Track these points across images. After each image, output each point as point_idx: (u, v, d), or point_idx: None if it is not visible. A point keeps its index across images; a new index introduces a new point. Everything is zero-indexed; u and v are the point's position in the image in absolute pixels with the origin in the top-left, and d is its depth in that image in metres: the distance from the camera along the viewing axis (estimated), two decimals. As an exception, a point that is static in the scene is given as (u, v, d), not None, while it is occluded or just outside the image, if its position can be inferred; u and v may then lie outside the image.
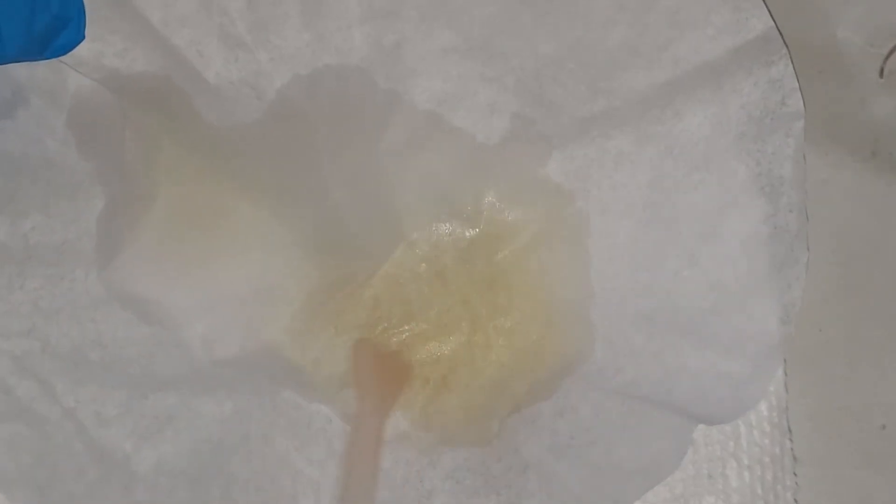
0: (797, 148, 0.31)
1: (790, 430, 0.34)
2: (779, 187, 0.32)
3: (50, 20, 0.25)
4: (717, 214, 0.32)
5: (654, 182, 0.33)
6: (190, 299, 0.34)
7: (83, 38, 0.26)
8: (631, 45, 0.32)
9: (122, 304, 0.33)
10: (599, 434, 0.33)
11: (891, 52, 0.36)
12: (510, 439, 0.34)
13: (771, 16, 0.31)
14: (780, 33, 0.31)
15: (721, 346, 0.32)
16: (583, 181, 0.35)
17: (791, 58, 0.31)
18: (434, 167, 0.36)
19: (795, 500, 0.34)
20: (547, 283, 0.36)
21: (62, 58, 0.31)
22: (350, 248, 0.37)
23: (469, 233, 0.37)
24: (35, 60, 0.26)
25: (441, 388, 0.36)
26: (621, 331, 0.34)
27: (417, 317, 0.37)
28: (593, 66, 0.33)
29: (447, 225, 0.37)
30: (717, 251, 0.32)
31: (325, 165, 0.35)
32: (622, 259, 0.34)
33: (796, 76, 0.31)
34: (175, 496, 0.32)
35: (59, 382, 0.31)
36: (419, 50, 0.33)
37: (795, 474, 0.34)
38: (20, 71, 0.31)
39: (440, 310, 0.37)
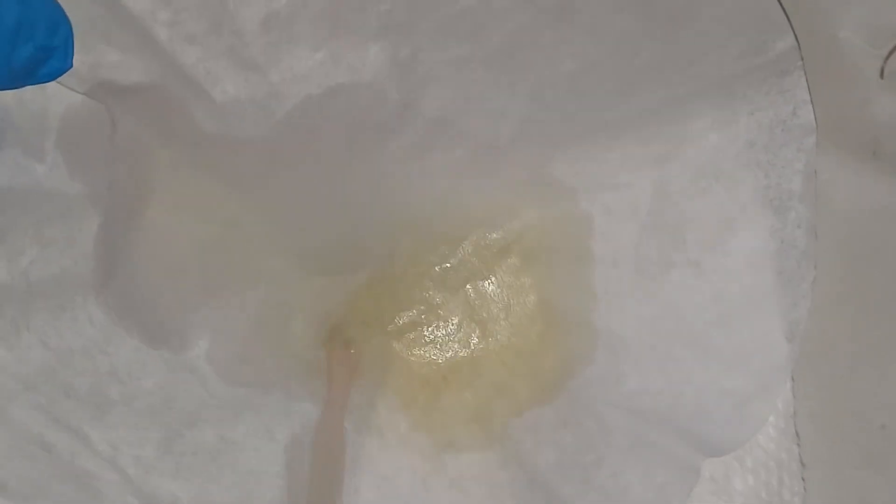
0: (808, 163, 0.31)
1: (798, 436, 0.34)
2: (787, 201, 0.31)
3: (35, 50, 0.24)
4: (724, 224, 0.32)
5: (660, 184, 0.33)
6: (192, 317, 0.34)
7: (70, 66, 0.25)
8: (655, 65, 0.32)
9: (126, 330, 0.32)
10: (605, 453, 0.32)
11: (891, 53, 0.36)
12: (514, 447, 0.33)
13: (795, 36, 0.31)
14: (799, 47, 0.31)
15: (725, 361, 0.32)
16: (587, 180, 0.35)
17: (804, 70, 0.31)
18: (439, 169, 0.36)
19: (803, 506, 0.34)
20: (549, 284, 0.36)
21: None
22: (354, 251, 0.36)
23: (472, 233, 0.37)
24: (18, 88, 0.25)
25: (442, 388, 0.36)
26: (623, 336, 0.34)
27: (421, 317, 0.36)
28: (612, 82, 0.33)
29: (451, 226, 0.37)
30: (723, 262, 0.32)
31: (330, 175, 0.35)
32: (626, 263, 0.34)
33: (808, 88, 0.31)
34: None
35: (92, 430, 0.31)
36: (433, 59, 0.33)
37: (803, 479, 0.34)
38: (6, 96, 0.30)
39: (442, 310, 0.36)
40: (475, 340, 0.36)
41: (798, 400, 0.34)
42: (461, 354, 0.36)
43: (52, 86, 0.30)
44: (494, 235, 0.37)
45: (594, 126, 0.34)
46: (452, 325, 0.37)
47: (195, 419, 0.32)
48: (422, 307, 0.37)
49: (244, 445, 0.32)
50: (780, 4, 0.31)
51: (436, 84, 0.33)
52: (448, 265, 0.37)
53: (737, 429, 0.32)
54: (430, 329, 0.37)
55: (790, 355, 0.32)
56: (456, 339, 0.36)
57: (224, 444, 0.32)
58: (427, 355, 0.37)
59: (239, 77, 0.32)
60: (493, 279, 0.37)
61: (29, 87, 0.26)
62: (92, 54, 0.31)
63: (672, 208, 0.33)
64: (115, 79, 0.31)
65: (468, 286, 0.37)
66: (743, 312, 0.32)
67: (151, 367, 0.33)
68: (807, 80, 0.31)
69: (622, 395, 0.33)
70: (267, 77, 0.32)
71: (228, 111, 0.33)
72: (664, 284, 0.33)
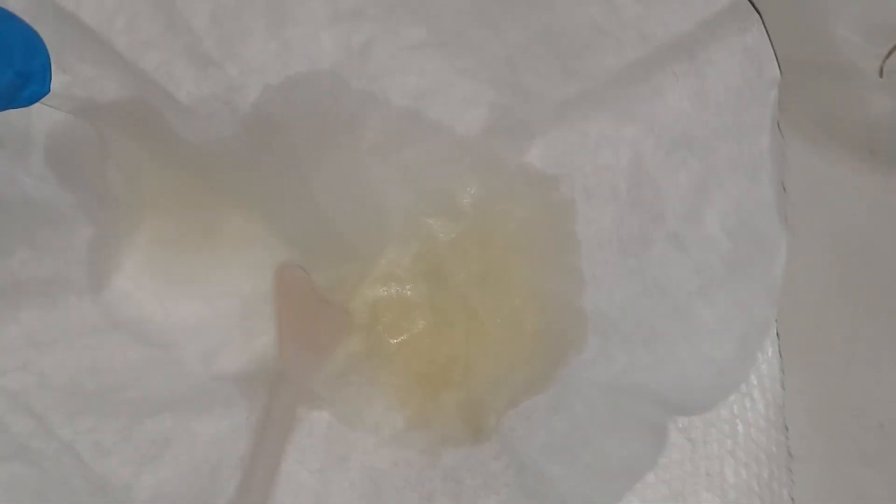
0: (773, 118, 0.31)
1: (786, 428, 0.34)
2: (758, 160, 0.31)
3: (13, 76, 0.24)
4: (699, 193, 0.32)
5: (636, 162, 0.33)
6: (185, 317, 0.34)
7: (48, 91, 0.25)
8: (598, 25, 0.32)
9: (117, 329, 0.33)
10: (590, 432, 0.33)
11: (890, 52, 0.36)
12: (507, 437, 0.34)
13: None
14: (758, 11, 0.31)
15: (708, 330, 0.32)
16: (565, 166, 0.35)
17: (765, 24, 0.31)
18: (416, 163, 0.36)
19: (792, 498, 0.34)
20: (538, 273, 0.36)
21: None
22: (341, 249, 0.37)
23: (458, 227, 0.37)
24: None
25: (439, 385, 0.36)
26: (612, 318, 0.34)
27: (413, 314, 0.36)
28: (563, 49, 0.33)
29: (436, 220, 0.37)
30: (701, 232, 0.32)
31: (308, 171, 0.35)
32: (610, 244, 0.34)
33: (771, 42, 0.31)
34: None
35: (57, 416, 0.31)
36: (389, 48, 0.33)
37: (791, 471, 0.34)
38: None
39: (435, 306, 0.37)
40: (470, 335, 0.37)
41: (791, 394, 0.35)
42: (456, 351, 0.36)
43: (35, 106, 0.31)
44: (481, 228, 0.37)
45: (565, 109, 0.34)
46: (447, 320, 0.37)
47: (162, 407, 0.32)
48: (416, 304, 0.37)
49: (204, 437, 0.32)
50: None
51: (397, 73, 0.33)
52: (438, 261, 0.37)
53: (714, 393, 0.32)
54: (423, 326, 0.37)
55: (770, 315, 0.32)
56: (451, 335, 0.37)
57: (185, 433, 0.32)
58: (422, 353, 0.37)
59: (199, 75, 0.32)
60: (483, 272, 0.37)
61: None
62: (67, 73, 0.31)
63: (649, 184, 0.33)
64: (92, 95, 0.31)
65: (459, 281, 0.37)
66: (722, 279, 0.32)
67: (135, 363, 0.33)
68: (768, 34, 0.31)
69: (610, 375, 0.33)
70: (225, 71, 0.32)
71: (196, 112, 0.33)
72: (647, 261, 0.33)
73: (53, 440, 0.31)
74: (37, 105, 0.29)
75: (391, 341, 0.36)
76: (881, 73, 0.36)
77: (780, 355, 0.34)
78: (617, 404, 0.32)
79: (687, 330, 0.32)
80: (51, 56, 0.26)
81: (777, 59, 0.31)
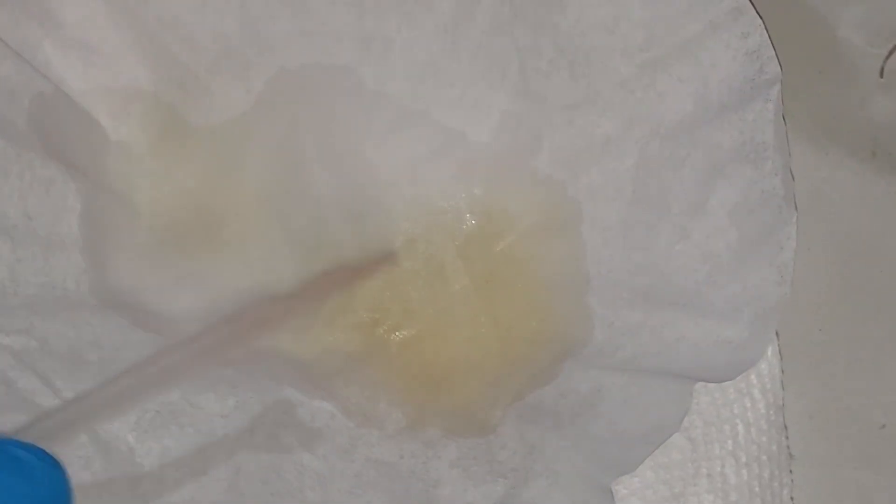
0: (776, 111, 0.31)
1: (786, 428, 0.34)
2: (763, 153, 0.32)
3: None
4: (705, 186, 0.32)
5: (642, 163, 0.33)
6: (183, 306, 0.35)
7: None
8: (606, 26, 0.32)
9: (116, 312, 0.33)
10: (601, 410, 0.33)
11: (891, 53, 0.36)
12: (514, 426, 0.34)
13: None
14: (754, 5, 0.31)
15: (717, 315, 0.32)
16: (572, 170, 0.35)
17: (768, 30, 0.31)
18: (425, 165, 0.36)
19: (792, 499, 0.34)
20: (544, 274, 0.36)
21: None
22: (343, 248, 0.37)
23: (464, 229, 0.37)
24: None
25: (441, 386, 0.36)
26: (619, 311, 0.34)
27: (417, 314, 0.37)
28: (571, 52, 0.33)
29: (442, 222, 0.37)
30: (707, 223, 0.32)
31: (314, 164, 0.36)
32: (616, 242, 0.34)
33: (772, 44, 0.31)
34: (182, 488, 0.32)
35: (60, 380, 0.31)
36: (407, 50, 0.34)
37: (791, 472, 0.34)
38: None
39: (440, 306, 0.37)
40: (474, 335, 0.37)
41: (793, 396, 0.35)
42: (459, 352, 0.37)
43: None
44: (487, 230, 0.37)
45: (572, 112, 0.34)
46: (451, 321, 0.37)
47: (167, 383, 0.32)
48: (420, 304, 0.37)
49: (210, 411, 0.33)
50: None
51: (411, 75, 0.34)
52: (442, 262, 0.37)
53: (734, 367, 0.32)
54: (426, 327, 0.37)
55: (781, 298, 0.32)
56: (453, 336, 0.37)
57: (190, 406, 0.32)
58: (424, 354, 0.37)
59: (220, 52, 0.33)
60: (489, 273, 0.37)
61: None
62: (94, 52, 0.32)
63: (654, 181, 0.33)
64: (106, 78, 0.33)
65: (465, 282, 0.37)
66: (732, 267, 0.32)
67: (136, 343, 0.33)
68: (769, 34, 0.31)
69: (618, 360, 0.33)
70: (244, 50, 0.33)
71: (212, 88, 0.34)
72: (654, 254, 0.34)
73: (56, 398, 0.31)
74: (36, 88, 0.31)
75: (393, 342, 0.36)
76: (882, 74, 0.36)
77: (781, 355, 0.34)
78: (631, 381, 0.33)
79: (697, 316, 0.33)
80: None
81: (778, 59, 0.31)
